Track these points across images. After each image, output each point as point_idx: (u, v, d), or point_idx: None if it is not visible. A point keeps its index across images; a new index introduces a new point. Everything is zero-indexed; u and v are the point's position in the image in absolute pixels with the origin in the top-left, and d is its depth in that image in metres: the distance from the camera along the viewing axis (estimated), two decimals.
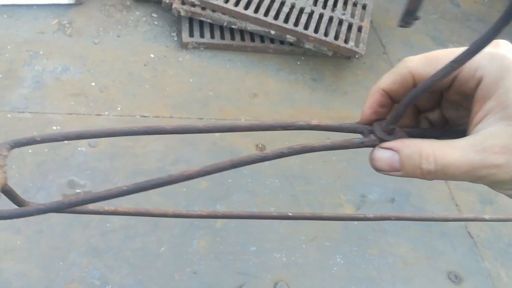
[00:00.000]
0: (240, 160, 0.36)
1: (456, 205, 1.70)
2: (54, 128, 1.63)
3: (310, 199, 1.62)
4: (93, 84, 1.81)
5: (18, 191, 1.34)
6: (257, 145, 1.73)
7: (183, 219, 1.54)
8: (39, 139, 0.38)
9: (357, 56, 2.05)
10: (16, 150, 1.36)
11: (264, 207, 1.56)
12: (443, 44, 2.41)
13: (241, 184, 1.61)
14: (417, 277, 1.48)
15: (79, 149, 1.59)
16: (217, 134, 1.74)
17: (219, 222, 1.50)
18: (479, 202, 1.73)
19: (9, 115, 1.64)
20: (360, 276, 1.45)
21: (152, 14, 2.19)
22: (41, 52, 1.89)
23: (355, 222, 1.58)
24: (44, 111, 1.67)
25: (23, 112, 1.66)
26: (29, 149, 1.55)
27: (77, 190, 1.48)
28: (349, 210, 1.61)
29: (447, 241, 1.59)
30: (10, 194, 0.38)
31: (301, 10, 2.13)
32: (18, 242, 1.34)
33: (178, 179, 0.36)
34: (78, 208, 0.46)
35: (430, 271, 1.51)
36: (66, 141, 1.60)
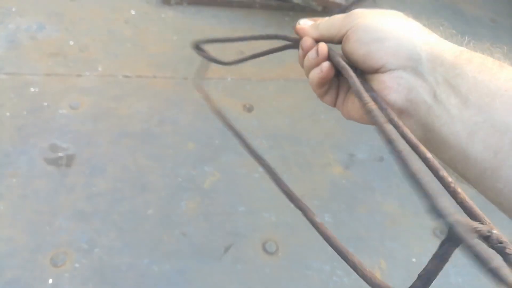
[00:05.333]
0: None
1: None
2: (32, 90, 1.56)
3: (298, 159, 1.61)
4: (71, 43, 1.73)
5: None
6: (244, 105, 1.69)
7: (170, 181, 1.52)
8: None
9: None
10: None
11: (252, 168, 1.54)
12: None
13: (228, 145, 1.58)
14: (404, 234, 1.51)
15: (60, 111, 1.53)
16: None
17: (207, 183, 1.48)
18: None
19: None
20: (349, 235, 1.46)
21: None
22: (13, 9, 1.78)
23: (344, 181, 1.58)
24: (21, 72, 1.60)
25: None
26: (7, 112, 1.49)
27: (60, 154, 1.44)
28: (337, 169, 1.60)
29: None
30: None
31: None
32: (2, 207, 1.31)
33: None
34: None
35: (416, 228, 1.53)
36: (45, 103, 1.54)
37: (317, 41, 0.48)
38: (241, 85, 1.75)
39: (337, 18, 0.47)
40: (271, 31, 2.00)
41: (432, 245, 1.49)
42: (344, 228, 1.48)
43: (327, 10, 2.06)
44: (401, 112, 0.42)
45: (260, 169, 1.65)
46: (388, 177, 1.63)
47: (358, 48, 0.43)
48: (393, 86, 0.42)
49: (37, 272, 1.23)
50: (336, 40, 0.47)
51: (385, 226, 1.51)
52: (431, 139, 0.41)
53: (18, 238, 1.27)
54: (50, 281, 1.21)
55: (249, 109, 1.68)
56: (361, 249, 1.44)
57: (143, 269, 1.28)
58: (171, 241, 1.35)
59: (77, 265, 1.25)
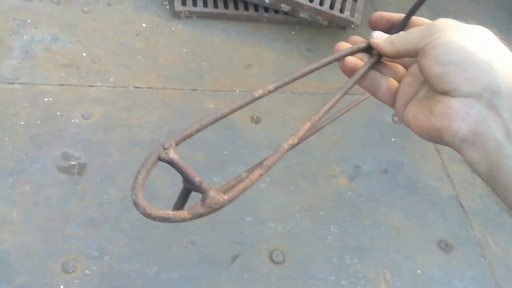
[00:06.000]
0: None
1: (448, 176, 1.73)
2: (46, 99, 1.60)
3: (304, 170, 1.63)
4: (84, 54, 1.77)
5: (12, 163, 1.34)
6: (252, 117, 1.72)
7: (178, 190, 1.54)
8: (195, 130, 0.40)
9: (352, 26, 2.03)
10: (8, 121, 1.35)
11: (259, 178, 1.57)
12: (439, 14, 2.39)
13: (236, 156, 1.61)
14: (409, 246, 1.52)
15: (73, 120, 1.57)
16: (211, 105, 1.73)
17: None
18: (471, 172, 1.76)
19: None
20: (354, 246, 1.48)
21: None
22: (28, 21, 1.84)
23: (349, 193, 1.61)
24: (35, 82, 1.64)
25: (13, 83, 1.63)
26: (21, 121, 1.53)
27: (72, 162, 1.47)
28: (342, 181, 1.63)
29: (439, 211, 1.63)
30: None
31: None
32: (15, 214, 1.34)
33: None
34: None
35: (421, 240, 1.55)
36: (58, 113, 1.58)
37: (391, 57, 0.48)
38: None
39: (414, 32, 0.44)
40: (278, 44, 2.04)
41: (437, 258, 1.51)
42: (349, 239, 1.49)
43: (333, 25, 2.10)
44: (463, 141, 0.39)
45: (267, 179, 1.68)
46: (393, 189, 1.65)
47: (434, 67, 0.40)
48: (461, 114, 0.39)
49: (48, 278, 1.25)
50: (412, 55, 0.44)
51: (390, 237, 1.53)
52: (498, 178, 0.39)
53: (30, 244, 1.30)
54: (61, 287, 1.23)
55: (257, 121, 1.72)
56: (366, 261, 1.45)
57: (151, 277, 1.31)
58: (179, 249, 1.37)
59: (87, 271, 1.27)
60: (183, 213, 0.36)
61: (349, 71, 0.50)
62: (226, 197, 0.37)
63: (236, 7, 2.07)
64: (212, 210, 0.37)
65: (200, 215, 0.37)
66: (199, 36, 1.97)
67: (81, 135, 1.54)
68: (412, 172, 1.71)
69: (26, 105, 1.57)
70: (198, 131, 0.40)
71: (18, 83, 1.63)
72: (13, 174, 1.41)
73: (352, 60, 0.50)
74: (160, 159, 0.39)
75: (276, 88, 0.45)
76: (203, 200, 0.37)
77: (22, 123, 1.52)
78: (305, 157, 1.67)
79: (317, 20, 2.06)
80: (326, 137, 1.73)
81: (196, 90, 1.77)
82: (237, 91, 1.80)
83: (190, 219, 0.36)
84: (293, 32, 2.11)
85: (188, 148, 1.59)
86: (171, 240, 1.38)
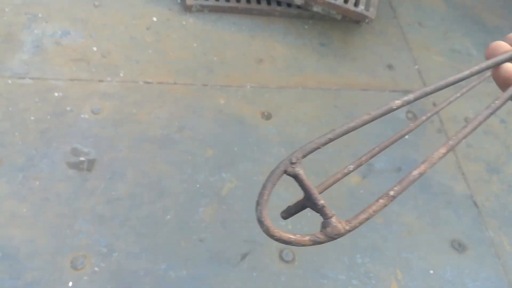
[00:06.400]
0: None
1: (463, 174, 1.69)
2: (56, 94, 1.60)
3: (316, 168, 1.61)
4: (94, 49, 1.76)
5: (22, 158, 1.33)
6: (262, 113, 1.70)
7: (188, 187, 1.54)
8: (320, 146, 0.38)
9: (366, 21, 1.98)
10: (19, 117, 1.33)
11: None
12: (455, 7, 2.33)
13: (246, 152, 1.59)
14: (421, 246, 1.49)
15: (82, 116, 1.56)
16: (222, 101, 1.71)
17: (225, 189, 1.49)
18: (486, 171, 1.72)
19: (9, 81, 1.61)
20: (365, 245, 1.46)
21: None
22: (39, 15, 1.83)
23: (361, 191, 1.58)
24: (46, 77, 1.64)
25: (24, 78, 1.62)
26: (32, 116, 1.52)
27: (81, 158, 1.47)
28: (355, 179, 1.60)
29: (452, 210, 1.59)
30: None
31: None
32: (24, 210, 1.34)
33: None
34: None
35: (434, 240, 1.52)
36: (68, 108, 1.58)
37: None
38: (260, 93, 1.76)
39: None
40: (290, 38, 2.01)
41: (449, 258, 1.48)
42: (361, 238, 1.47)
43: (346, 19, 2.06)
44: None
45: None
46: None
47: None
48: None
49: (57, 274, 1.25)
50: None
51: (402, 237, 1.50)
52: None
53: (39, 240, 1.30)
54: (70, 284, 1.24)
55: (268, 117, 1.69)
56: (377, 260, 1.43)
57: (160, 275, 1.30)
58: (188, 247, 1.36)
59: (96, 268, 1.27)
60: (305, 240, 0.36)
61: (503, 82, 0.39)
62: (347, 227, 0.36)
63: (248, 1, 2.04)
64: (332, 239, 0.36)
65: (320, 243, 0.36)
66: (210, 30, 1.95)
67: (90, 131, 1.53)
68: None
69: (36, 100, 1.57)
70: (326, 143, 0.38)
71: (29, 78, 1.62)
72: (23, 169, 1.41)
73: (509, 68, 0.39)
74: (286, 172, 0.37)
75: (415, 99, 0.41)
76: (324, 227, 0.36)
77: (32, 118, 1.52)
78: (317, 154, 1.63)
79: (331, 14, 2.02)
80: None
81: (207, 85, 1.75)
82: (249, 86, 1.77)
83: (310, 245, 0.36)
84: (306, 26, 2.07)
85: (198, 144, 1.57)
86: (180, 238, 1.37)
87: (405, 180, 0.37)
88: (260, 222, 0.35)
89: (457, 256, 1.48)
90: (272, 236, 0.35)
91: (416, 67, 2.02)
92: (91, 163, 1.46)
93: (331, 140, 0.38)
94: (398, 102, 0.40)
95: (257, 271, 1.35)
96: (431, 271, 1.44)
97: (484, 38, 2.22)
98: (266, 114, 1.70)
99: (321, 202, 0.35)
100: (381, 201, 0.37)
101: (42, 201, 1.37)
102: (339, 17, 2.03)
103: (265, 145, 1.62)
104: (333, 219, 0.35)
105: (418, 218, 1.56)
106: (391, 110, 0.40)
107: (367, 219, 0.36)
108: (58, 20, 1.83)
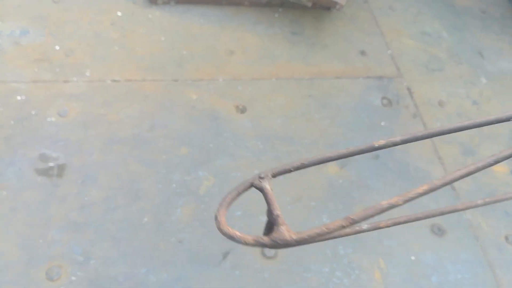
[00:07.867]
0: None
1: (439, 158, 1.70)
2: (19, 98, 1.52)
3: (293, 159, 1.59)
4: (57, 47, 1.68)
5: None
6: (237, 106, 1.66)
7: (164, 187, 1.49)
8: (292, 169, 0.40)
9: (337, 7, 1.96)
10: None
11: (247, 170, 1.52)
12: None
13: (222, 148, 1.56)
14: (401, 232, 1.50)
15: (49, 119, 1.49)
16: (194, 96, 1.66)
17: (203, 188, 1.46)
18: (461, 153, 1.73)
19: None
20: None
21: None
22: None
23: (340, 180, 1.57)
24: (6, 80, 1.55)
25: None
26: None
27: (50, 164, 1.40)
28: (333, 169, 1.59)
29: (431, 195, 1.59)
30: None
31: None
32: None
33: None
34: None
35: (414, 225, 1.52)
36: (33, 112, 1.50)
37: None
38: (233, 85, 1.72)
39: None
40: (261, 28, 1.96)
41: (430, 242, 1.49)
42: None
43: (317, 6, 2.03)
44: None
45: (256, 171, 1.64)
46: (384, 174, 1.62)
47: None
48: None
49: (32, 287, 1.20)
50: None
51: None
52: None
53: (10, 253, 1.24)
54: None
55: (242, 110, 1.66)
56: (360, 249, 1.43)
57: (140, 279, 1.26)
58: (167, 249, 1.33)
59: (73, 278, 1.22)
60: (248, 238, 0.38)
61: None
62: (294, 237, 0.37)
63: None
64: (276, 245, 0.38)
65: (263, 245, 0.38)
66: (177, 22, 1.89)
67: (58, 135, 1.46)
68: (403, 156, 1.67)
69: None
70: (298, 168, 0.41)
71: None
72: None
73: None
74: (253, 185, 0.40)
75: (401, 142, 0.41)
76: (272, 232, 0.37)
77: None
78: (294, 145, 1.62)
79: (301, 2, 1.98)
80: (314, 124, 1.68)
81: (177, 80, 1.69)
82: (221, 79, 1.73)
83: (253, 245, 0.39)
84: (276, 15, 2.03)
85: (172, 142, 1.53)
86: (159, 240, 1.34)
87: (371, 208, 0.39)
88: (216, 217, 0.40)
89: (437, 241, 1.50)
90: (220, 230, 0.39)
91: (389, 52, 2.01)
92: (61, 168, 1.40)
93: (304, 166, 0.40)
94: (381, 142, 0.42)
95: (239, 269, 1.33)
96: (413, 257, 1.45)
97: (453, 19, 2.23)
98: (240, 107, 1.66)
99: (277, 212, 0.38)
100: (339, 221, 0.37)
101: (10, 211, 1.30)
102: (309, 4, 2.00)
103: (240, 140, 1.59)
104: (283, 227, 0.37)
105: None
106: (374, 149, 0.43)
107: (318, 234, 0.37)
108: (15, 18, 1.73)
